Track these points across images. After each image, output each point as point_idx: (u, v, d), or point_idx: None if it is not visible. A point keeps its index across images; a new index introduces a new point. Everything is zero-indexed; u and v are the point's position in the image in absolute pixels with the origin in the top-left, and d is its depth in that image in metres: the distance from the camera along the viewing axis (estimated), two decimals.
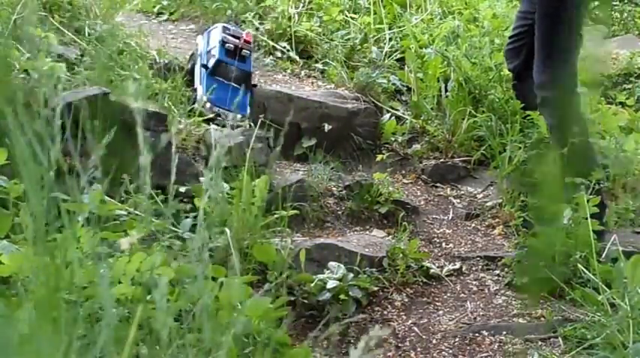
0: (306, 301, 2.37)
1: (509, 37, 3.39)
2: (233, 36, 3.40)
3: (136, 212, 1.80)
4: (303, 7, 4.47)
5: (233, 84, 3.28)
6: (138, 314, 0.91)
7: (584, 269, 2.47)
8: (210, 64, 3.29)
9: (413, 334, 2.44)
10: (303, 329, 2.30)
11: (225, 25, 3.53)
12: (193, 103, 3.20)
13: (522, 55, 3.28)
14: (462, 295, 2.68)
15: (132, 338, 0.88)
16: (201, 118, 3.07)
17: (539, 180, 2.91)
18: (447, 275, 2.77)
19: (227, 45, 3.31)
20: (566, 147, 2.83)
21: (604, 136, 3.50)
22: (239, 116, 3.17)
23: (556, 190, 2.46)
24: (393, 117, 3.80)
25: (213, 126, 3.03)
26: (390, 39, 4.31)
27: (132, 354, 1.08)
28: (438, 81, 3.87)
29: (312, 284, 2.38)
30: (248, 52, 3.41)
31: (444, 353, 2.34)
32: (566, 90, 2.95)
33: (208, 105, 3.16)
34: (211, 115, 3.14)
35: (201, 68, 3.30)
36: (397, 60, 4.19)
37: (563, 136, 2.85)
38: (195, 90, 3.29)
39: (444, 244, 3.05)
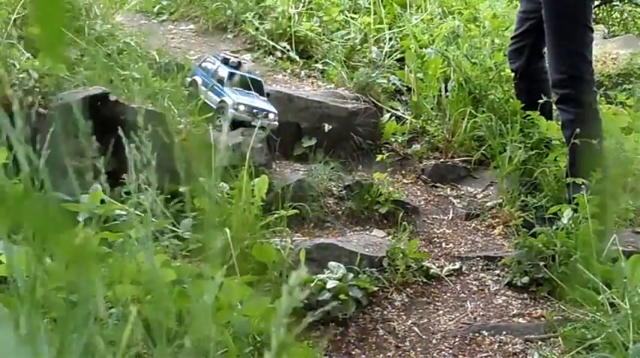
0: (306, 301, 2.37)
1: (512, 38, 3.40)
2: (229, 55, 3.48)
3: (137, 212, 1.80)
4: (303, 7, 4.47)
5: (252, 92, 3.31)
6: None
7: (584, 270, 2.47)
8: (225, 77, 3.31)
9: (413, 334, 2.43)
10: (303, 329, 2.29)
11: (209, 56, 3.57)
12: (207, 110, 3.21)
13: (525, 55, 3.29)
14: (462, 295, 2.68)
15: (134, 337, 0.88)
16: (203, 116, 3.07)
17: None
18: (447, 275, 2.77)
19: (231, 61, 3.36)
20: (580, 143, 2.85)
21: (604, 136, 3.50)
22: (272, 115, 3.22)
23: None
24: (393, 118, 3.80)
25: (212, 127, 3.03)
26: (390, 39, 4.31)
27: (132, 354, 1.08)
28: (438, 81, 3.87)
29: (312, 284, 2.38)
30: (251, 65, 3.49)
31: (444, 353, 2.33)
32: (585, 86, 2.96)
33: (242, 107, 3.17)
34: (248, 117, 3.16)
35: (216, 84, 3.32)
36: (397, 60, 4.19)
37: (580, 133, 2.86)
38: (221, 102, 3.25)
39: (444, 244, 3.05)
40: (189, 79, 3.40)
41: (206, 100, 3.25)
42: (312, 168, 3.24)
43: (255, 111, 3.19)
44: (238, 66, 3.38)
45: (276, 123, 3.25)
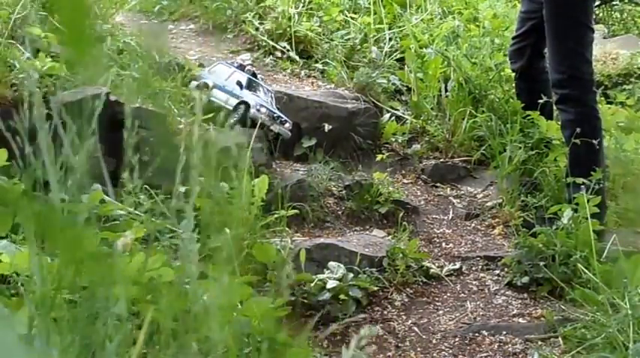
0: (306, 301, 2.37)
1: (513, 38, 3.40)
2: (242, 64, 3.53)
3: (136, 212, 1.80)
4: (303, 7, 4.47)
5: (270, 100, 3.37)
6: (148, 315, 0.91)
7: (584, 269, 2.47)
8: (243, 81, 3.34)
9: (413, 334, 2.44)
10: (303, 329, 2.30)
11: (221, 62, 3.60)
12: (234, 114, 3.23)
13: (526, 55, 3.29)
14: (462, 295, 2.68)
15: (142, 339, 0.88)
16: (204, 117, 3.07)
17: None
18: (447, 276, 2.77)
19: (247, 69, 3.42)
20: (580, 143, 2.85)
21: (604, 136, 3.50)
22: (288, 125, 3.28)
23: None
24: (393, 118, 3.80)
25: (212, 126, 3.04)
26: (390, 39, 4.31)
27: (131, 354, 1.08)
28: (438, 81, 3.87)
29: (312, 284, 2.38)
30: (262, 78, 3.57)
31: (444, 353, 2.34)
32: (585, 86, 2.96)
33: (264, 109, 3.20)
34: (268, 121, 3.20)
35: (233, 87, 3.34)
36: (397, 60, 4.19)
37: (580, 133, 2.86)
38: (242, 103, 3.25)
39: (444, 244, 3.05)
40: (195, 82, 3.41)
41: (219, 101, 3.25)
42: (312, 168, 3.24)
43: (275, 115, 3.24)
44: (253, 75, 3.43)
45: (290, 133, 3.31)
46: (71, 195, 0.94)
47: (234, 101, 3.24)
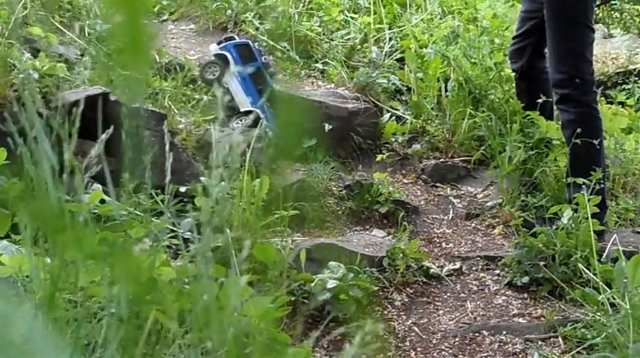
0: (306, 301, 2.37)
1: (513, 38, 3.40)
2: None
3: (137, 212, 1.80)
4: (303, 7, 4.47)
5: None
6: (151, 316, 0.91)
7: (584, 269, 2.47)
8: (249, 71, 3.34)
9: (413, 334, 2.44)
10: (303, 329, 2.30)
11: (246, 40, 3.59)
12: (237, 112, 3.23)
13: (526, 55, 3.29)
14: (462, 295, 2.68)
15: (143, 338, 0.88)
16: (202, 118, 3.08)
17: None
18: (447, 275, 2.77)
19: (264, 57, 3.44)
20: (581, 143, 2.85)
21: (604, 136, 3.50)
22: None
23: None
24: (393, 118, 3.80)
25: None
26: (390, 39, 4.30)
27: (132, 354, 1.08)
28: (438, 81, 3.87)
29: (312, 284, 2.37)
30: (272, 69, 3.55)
31: (444, 353, 2.34)
32: (586, 86, 2.96)
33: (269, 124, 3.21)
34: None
35: (256, 93, 3.33)
36: (397, 60, 4.19)
37: (580, 133, 2.86)
38: (254, 113, 3.25)
39: (444, 244, 3.05)
40: (214, 51, 3.37)
41: (234, 95, 3.24)
42: (312, 168, 3.24)
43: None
44: (267, 66, 3.41)
45: None
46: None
47: (247, 105, 3.23)
